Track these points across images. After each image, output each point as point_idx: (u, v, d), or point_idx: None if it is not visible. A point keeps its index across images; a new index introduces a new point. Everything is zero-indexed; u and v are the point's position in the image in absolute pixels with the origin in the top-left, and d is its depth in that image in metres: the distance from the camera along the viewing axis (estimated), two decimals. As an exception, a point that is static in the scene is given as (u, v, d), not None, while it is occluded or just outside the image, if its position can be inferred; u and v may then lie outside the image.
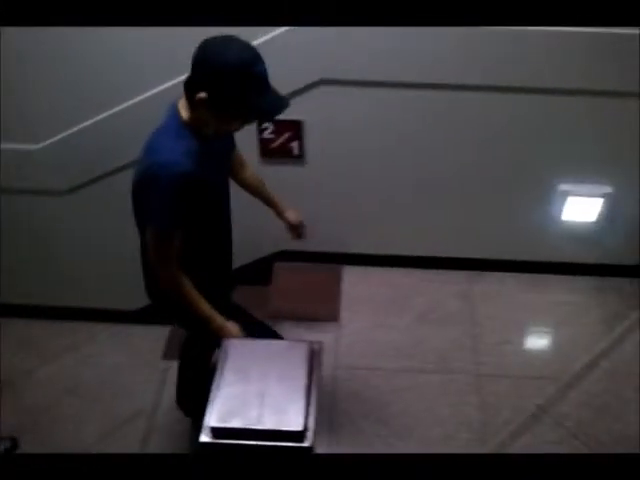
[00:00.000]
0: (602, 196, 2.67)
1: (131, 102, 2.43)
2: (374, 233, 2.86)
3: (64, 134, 2.51)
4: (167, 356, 2.82)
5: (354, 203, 2.74)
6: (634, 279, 2.86)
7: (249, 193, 2.14)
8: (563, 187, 2.67)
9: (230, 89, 1.56)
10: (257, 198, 2.15)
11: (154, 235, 1.69)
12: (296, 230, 2.22)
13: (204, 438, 1.45)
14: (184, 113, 1.66)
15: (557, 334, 2.79)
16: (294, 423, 1.44)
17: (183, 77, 2.30)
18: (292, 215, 2.18)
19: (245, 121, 1.68)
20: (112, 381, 2.78)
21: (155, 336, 2.90)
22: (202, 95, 1.57)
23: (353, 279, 2.93)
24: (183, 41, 2.21)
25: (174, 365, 2.68)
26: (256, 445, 1.45)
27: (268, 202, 2.16)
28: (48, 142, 2.52)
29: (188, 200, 1.64)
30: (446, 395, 2.53)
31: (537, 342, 2.81)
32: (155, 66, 2.36)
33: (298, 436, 1.44)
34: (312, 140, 2.55)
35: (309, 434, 1.47)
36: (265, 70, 1.59)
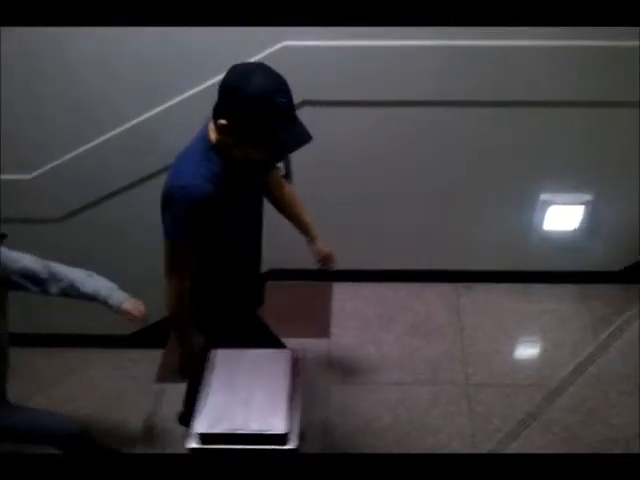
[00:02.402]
0: (583, 204, 2.82)
1: (121, 129, 2.60)
2: (362, 249, 3.00)
3: (56, 163, 2.67)
4: (160, 379, 2.93)
5: (341, 221, 2.88)
6: (618, 285, 3.00)
7: (285, 217, 2.19)
8: (545, 197, 2.82)
9: (248, 119, 1.59)
10: (291, 223, 2.21)
11: (167, 248, 1.80)
12: (325, 261, 2.29)
13: (193, 444, 1.58)
14: (212, 135, 1.71)
15: (544, 342, 2.92)
16: (278, 426, 1.57)
17: (167, 105, 2.52)
18: (322, 247, 2.24)
19: (266, 152, 1.71)
20: (108, 405, 2.90)
21: (149, 360, 3.02)
22: (223, 121, 1.62)
23: (343, 295, 3.08)
24: (174, 67, 2.43)
25: (168, 388, 2.81)
26: (242, 449, 1.57)
27: (302, 229, 2.22)
28: (41, 171, 2.69)
29: (204, 221, 1.72)
30: (437, 406, 2.65)
31: (525, 350, 2.94)
32: (144, 93, 2.53)
33: (282, 439, 1.57)
34: (298, 160, 2.70)
35: (293, 437, 1.59)
36: (288, 102, 1.61)
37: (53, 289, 2.00)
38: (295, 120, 1.65)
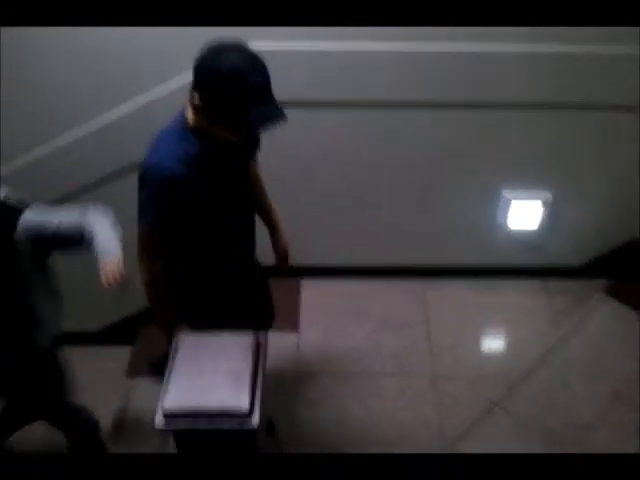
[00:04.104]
0: (545, 202, 2.96)
1: (93, 128, 2.66)
2: (331, 245, 3.11)
3: (26, 159, 2.73)
4: (130, 375, 2.98)
5: (309, 217, 2.99)
6: (579, 280, 3.13)
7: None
8: (508, 195, 2.95)
9: (221, 97, 1.59)
10: (259, 215, 2.20)
11: (139, 231, 1.83)
12: (279, 259, 2.31)
13: (158, 423, 1.64)
14: (189, 116, 1.71)
15: (508, 334, 3.06)
16: (240, 404, 1.65)
17: (142, 103, 2.58)
18: (281, 244, 2.28)
19: (240, 131, 1.69)
20: (77, 402, 2.92)
21: (118, 356, 3.07)
22: (196, 100, 1.64)
23: (312, 291, 3.18)
24: (142, 68, 2.50)
25: (138, 384, 2.86)
26: (206, 428, 1.64)
27: (268, 222, 2.25)
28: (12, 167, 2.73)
29: (177, 202, 1.72)
30: (404, 397, 2.75)
31: (489, 343, 3.06)
32: (110, 92, 2.60)
33: (244, 416, 1.64)
34: (265, 157, 2.78)
35: (255, 416, 1.67)
36: (262, 80, 1.62)
37: (83, 246, 1.91)
38: (271, 100, 1.65)
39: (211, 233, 1.92)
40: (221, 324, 1.97)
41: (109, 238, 1.89)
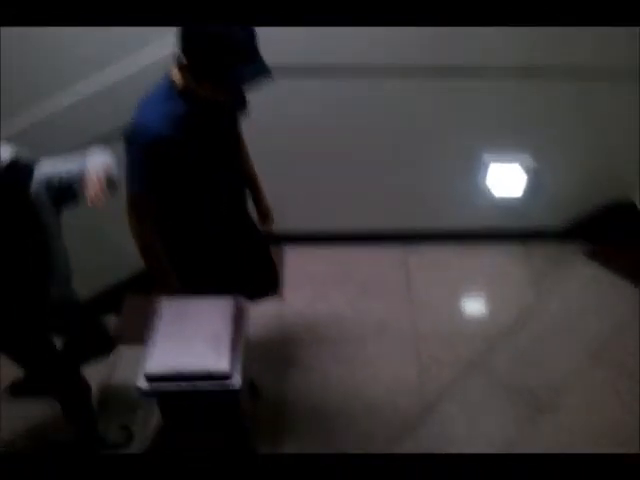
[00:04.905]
0: (526, 166, 3.00)
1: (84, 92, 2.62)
2: (314, 211, 3.15)
3: (22, 122, 2.66)
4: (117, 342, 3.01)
5: (292, 183, 3.00)
6: (560, 243, 3.20)
7: None
8: (490, 160, 2.99)
9: (207, 53, 1.63)
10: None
11: (127, 197, 1.84)
12: (263, 222, 2.35)
13: (142, 385, 1.69)
14: (175, 77, 1.75)
15: (489, 297, 3.13)
16: (221, 366, 1.70)
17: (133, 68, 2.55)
18: (264, 208, 2.32)
19: (227, 89, 1.73)
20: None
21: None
22: (182, 59, 1.68)
23: (295, 258, 3.21)
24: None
25: (123, 352, 2.89)
26: (189, 390, 1.69)
27: (250, 187, 2.26)
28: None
29: (162, 164, 1.76)
30: (387, 360, 2.81)
31: (470, 306, 3.13)
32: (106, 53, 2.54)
33: (225, 378, 1.69)
34: (248, 124, 2.78)
35: (236, 377, 1.71)
36: (247, 38, 1.66)
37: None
38: (257, 57, 1.69)
39: (198, 192, 1.93)
40: (216, 287, 1.97)
41: (96, 161, 1.89)
